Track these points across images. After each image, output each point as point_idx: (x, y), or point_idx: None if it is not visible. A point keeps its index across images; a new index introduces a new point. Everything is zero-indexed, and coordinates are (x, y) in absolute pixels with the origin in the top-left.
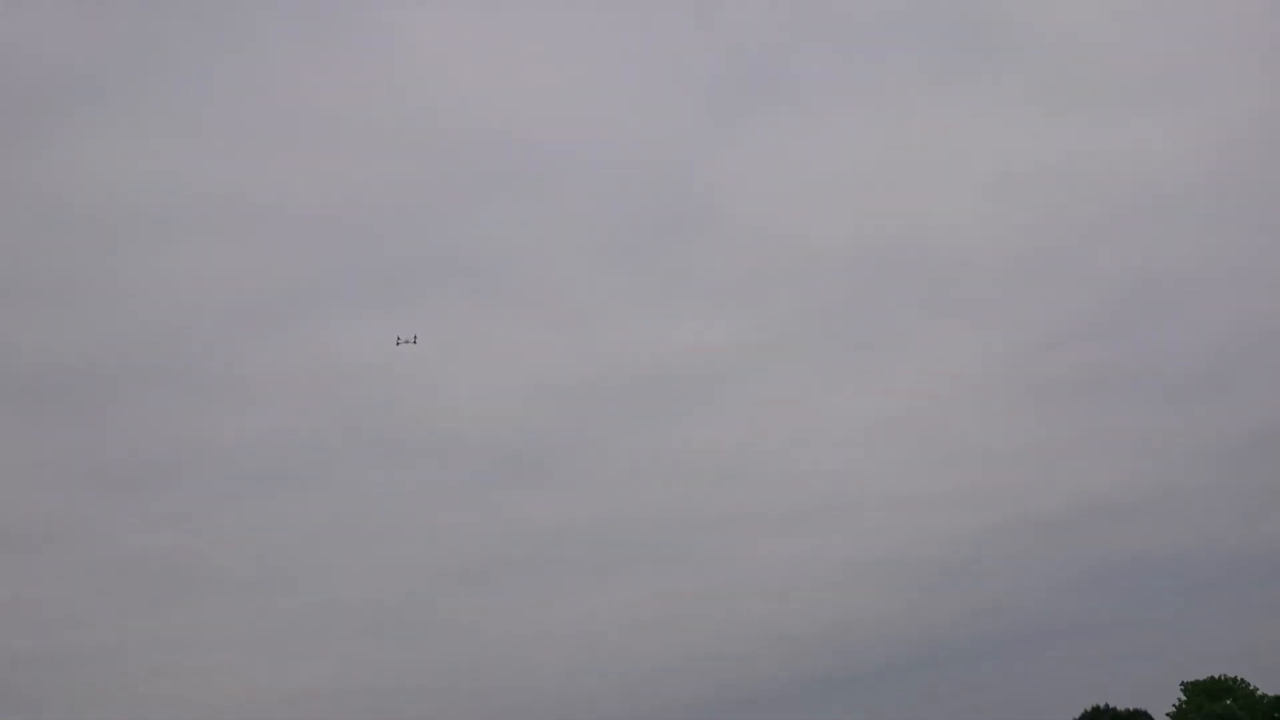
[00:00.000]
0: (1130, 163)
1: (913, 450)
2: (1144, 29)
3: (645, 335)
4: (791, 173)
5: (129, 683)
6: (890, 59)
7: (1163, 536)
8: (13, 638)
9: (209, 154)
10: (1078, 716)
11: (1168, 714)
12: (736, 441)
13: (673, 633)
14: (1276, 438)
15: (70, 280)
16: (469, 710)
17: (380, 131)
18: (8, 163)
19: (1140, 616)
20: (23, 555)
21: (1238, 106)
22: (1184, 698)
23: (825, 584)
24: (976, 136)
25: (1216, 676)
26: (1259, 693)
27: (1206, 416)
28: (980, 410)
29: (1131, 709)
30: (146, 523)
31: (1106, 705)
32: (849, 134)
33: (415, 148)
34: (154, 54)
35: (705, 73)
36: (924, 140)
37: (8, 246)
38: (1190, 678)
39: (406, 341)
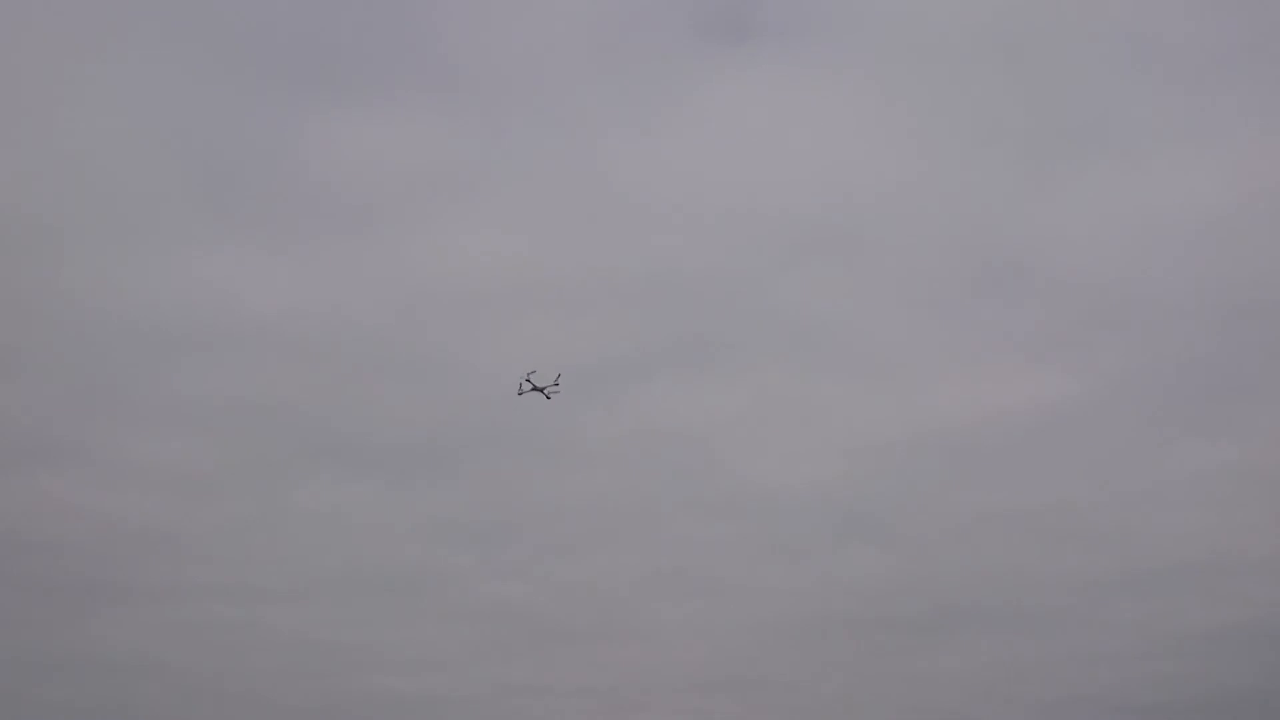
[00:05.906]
0: None
1: (1276, 506)
2: None
3: (967, 392)
4: (1116, 221)
5: None
6: (1223, 98)
7: None
8: (381, 676)
9: (543, 241)
10: None
11: None
12: (1070, 498)
13: (1007, 702)
14: None
15: (423, 358)
16: None
17: (698, 208)
18: (378, 250)
19: None
20: (390, 601)
21: None
22: None
23: (1176, 651)
24: None
25: None
26: None
27: None
28: None
29: None
30: (494, 573)
31: None
32: (1178, 179)
33: (730, 220)
34: (500, 152)
35: (1018, 124)
36: (1266, 181)
37: (379, 329)
38: None
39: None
